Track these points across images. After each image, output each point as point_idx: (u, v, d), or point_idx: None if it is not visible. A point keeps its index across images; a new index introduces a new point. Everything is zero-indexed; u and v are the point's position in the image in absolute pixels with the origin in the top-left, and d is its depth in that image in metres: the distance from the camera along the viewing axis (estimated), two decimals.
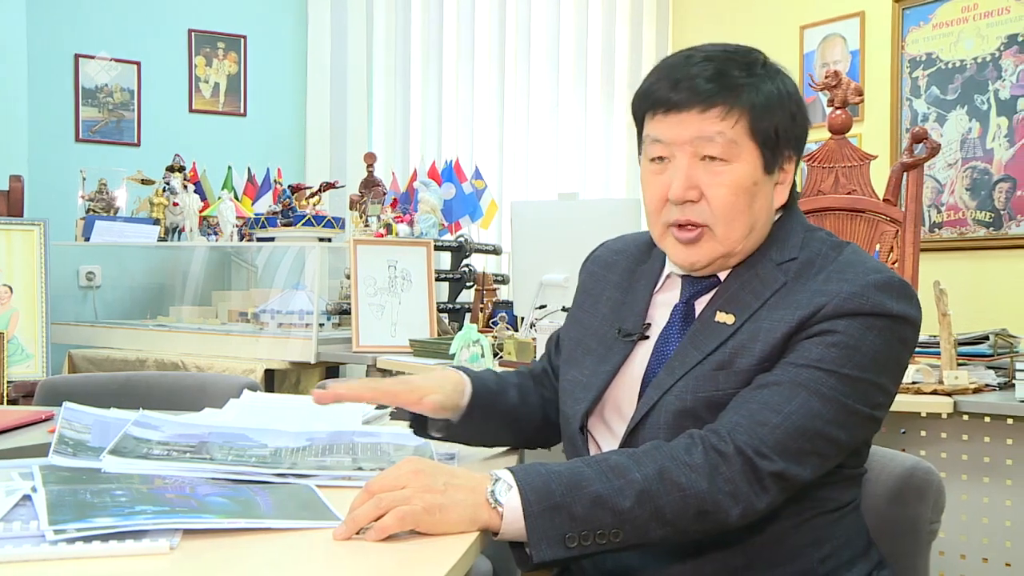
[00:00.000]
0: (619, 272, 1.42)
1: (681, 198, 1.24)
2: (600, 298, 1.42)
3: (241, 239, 3.76)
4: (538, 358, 1.59)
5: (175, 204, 3.83)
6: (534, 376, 1.53)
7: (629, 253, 1.43)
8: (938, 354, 2.32)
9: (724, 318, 1.24)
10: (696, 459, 1.11)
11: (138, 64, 4.36)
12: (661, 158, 1.27)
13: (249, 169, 4.26)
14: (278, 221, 3.56)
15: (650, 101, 1.27)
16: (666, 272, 1.36)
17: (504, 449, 1.53)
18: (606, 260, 1.46)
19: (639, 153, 1.33)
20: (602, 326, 1.38)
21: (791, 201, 1.33)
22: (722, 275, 1.30)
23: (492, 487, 1.07)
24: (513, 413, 1.45)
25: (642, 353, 1.32)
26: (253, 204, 4.10)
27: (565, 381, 1.39)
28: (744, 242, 1.26)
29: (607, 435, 1.32)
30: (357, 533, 1.00)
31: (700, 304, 1.30)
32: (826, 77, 2.81)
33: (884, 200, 2.69)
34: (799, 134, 1.29)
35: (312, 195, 3.67)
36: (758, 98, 1.23)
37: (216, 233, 3.84)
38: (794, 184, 1.33)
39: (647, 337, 1.32)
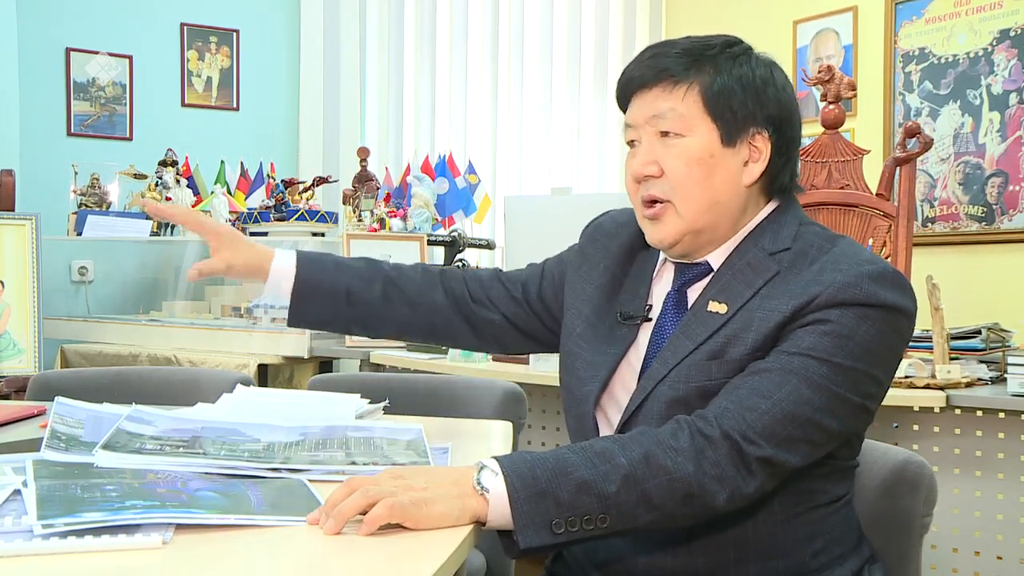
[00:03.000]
0: (620, 245, 1.42)
1: (640, 173, 1.28)
2: (598, 266, 1.42)
3: None
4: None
5: (168, 198, 3.82)
6: (480, 280, 1.52)
7: (633, 230, 1.41)
8: (931, 348, 2.33)
9: (717, 307, 1.25)
10: (682, 443, 1.11)
11: (130, 58, 4.35)
12: (633, 141, 1.31)
13: (242, 163, 4.25)
14: (271, 215, 3.55)
15: (619, 87, 1.33)
16: (662, 258, 1.37)
17: (498, 445, 1.53)
18: (608, 230, 1.45)
19: None
20: (597, 297, 1.39)
21: (789, 194, 1.33)
22: (714, 263, 1.30)
23: (478, 475, 1.07)
24: (368, 303, 1.48)
25: (642, 341, 1.32)
26: (246, 198, 4.09)
27: (566, 353, 1.40)
28: (707, 217, 1.26)
29: (603, 422, 1.33)
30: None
31: (693, 293, 1.31)
32: (819, 72, 2.82)
33: (877, 195, 2.69)
34: (771, 112, 1.27)
35: (305, 190, 3.67)
36: (712, 72, 1.25)
37: None
38: (790, 175, 1.32)
39: (649, 320, 1.33)
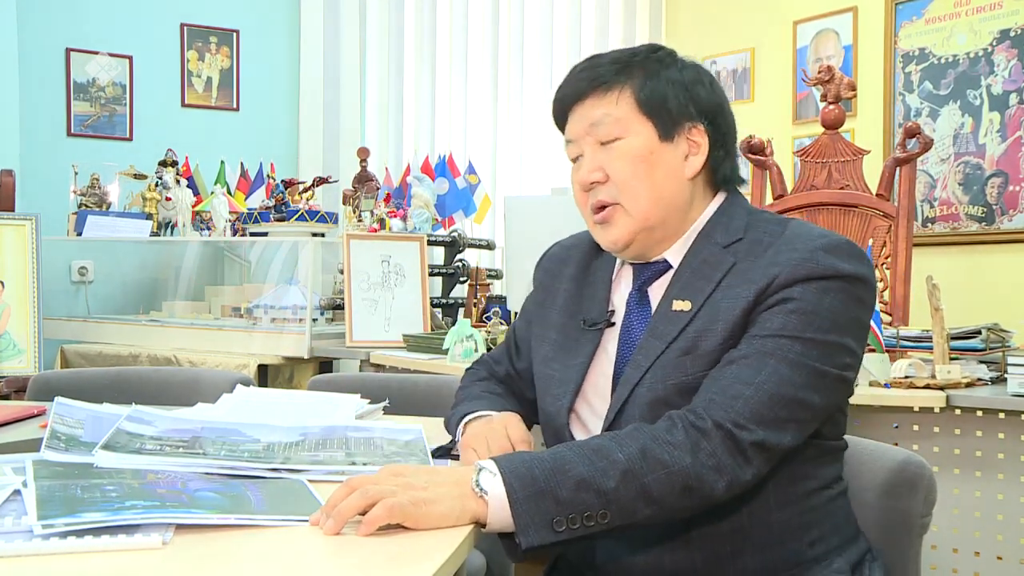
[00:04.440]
0: (573, 266, 1.45)
1: (586, 180, 1.31)
2: (557, 292, 1.44)
3: (234, 234, 3.75)
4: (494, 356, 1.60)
5: (168, 199, 3.81)
6: (503, 381, 1.54)
7: (582, 248, 1.46)
8: (931, 348, 2.33)
9: (681, 305, 1.27)
10: (677, 437, 1.13)
11: (130, 58, 4.35)
12: (577, 157, 1.35)
13: (242, 164, 4.25)
14: (271, 216, 3.55)
15: (554, 108, 1.37)
16: (619, 262, 1.39)
17: None
18: (560, 257, 1.49)
19: None
20: (561, 317, 1.41)
21: (731, 185, 1.36)
22: (672, 260, 1.32)
23: (476, 477, 1.07)
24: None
25: (610, 346, 1.33)
26: (246, 199, 4.09)
27: (539, 379, 1.41)
28: (656, 213, 1.29)
29: (581, 431, 1.33)
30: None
31: (654, 292, 1.33)
32: (819, 72, 2.82)
33: (877, 195, 2.69)
34: (705, 107, 1.32)
35: (305, 190, 3.66)
36: (641, 75, 1.30)
37: (209, 228, 3.83)
38: (731, 168, 1.36)
39: (613, 324, 1.34)
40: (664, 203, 1.29)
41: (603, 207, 1.31)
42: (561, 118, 1.37)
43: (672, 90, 1.30)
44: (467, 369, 1.61)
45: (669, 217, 1.31)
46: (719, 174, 1.34)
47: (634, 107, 1.29)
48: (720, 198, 1.35)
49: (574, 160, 1.36)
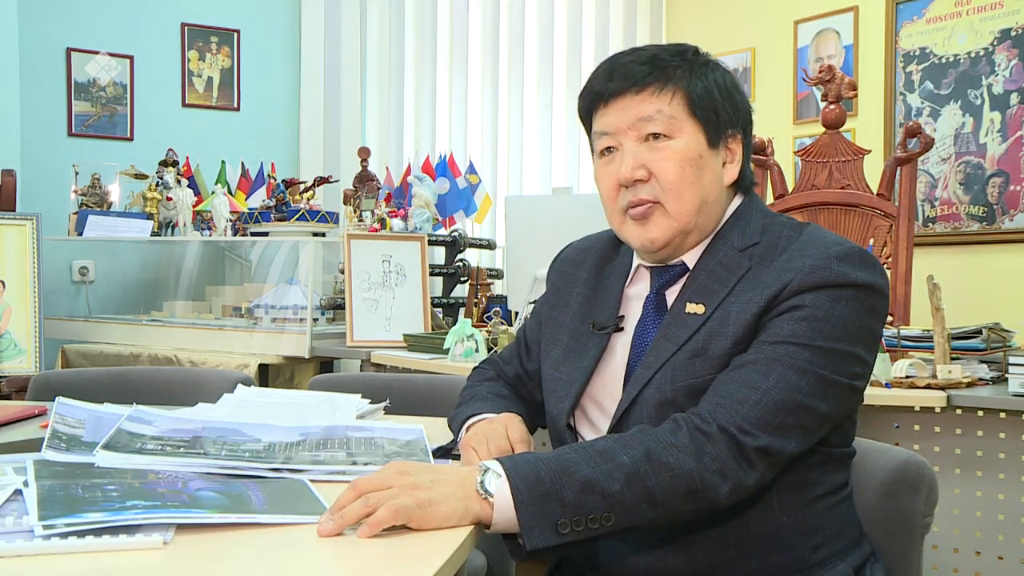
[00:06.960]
0: (587, 268, 1.44)
1: (630, 178, 1.28)
2: (571, 295, 1.43)
3: (235, 234, 3.75)
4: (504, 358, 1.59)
5: (168, 199, 3.82)
6: (512, 384, 1.53)
7: (596, 250, 1.45)
8: (932, 348, 2.33)
9: (694, 308, 1.26)
10: (682, 440, 1.12)
11: (131, 58, 4.35)
12: (610, 148, 1.32)
13: (243, 163, 4.25)
14: (272, 216, 3.55)
15: (590, 97, 1.34)
16: (635, 264, 1.38)
17: None
18: (574, 259, 1.48)
19: (592, 154, 1.37)
20: (573, 321, 1.40)
21: (749, 189, 1.36)
22: (689, 262, 1.32)
23: (481, 477, 1.07)
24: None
25: (621, 348, 1.33)
26: (247, 199, 4.09)
27: (547, 382, 1.40)
28: (697, 216, 1.28)
29: (589, 431, 1.33)
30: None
31: (671, 295, 1.32)
32: (820, 72, 2.82)
33: (878, 195, 2.69)
34: (741, 115, 1.32)
35: (306, 190, 3.67)
36: (691, 76, 1.28)
37: (210, 228, 3.83)
38: (751, 172, 1.36)
39: (621, 329, 1.34)
40: (705, 208, 1.29)
41: (640, 204, 1.28)
42: (593, 110, 1.34)
43: (720, 96, 1.29)
44: (475, 368, 1.61)
45: (707, 223, 1.30)
46: (745, 181, 1.34)
47: (686, 109, 1.27)
48: (737, 200, 1.35)
49: (603, 152, 1.32)
